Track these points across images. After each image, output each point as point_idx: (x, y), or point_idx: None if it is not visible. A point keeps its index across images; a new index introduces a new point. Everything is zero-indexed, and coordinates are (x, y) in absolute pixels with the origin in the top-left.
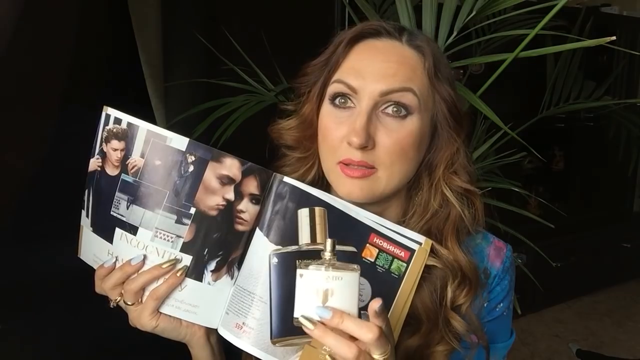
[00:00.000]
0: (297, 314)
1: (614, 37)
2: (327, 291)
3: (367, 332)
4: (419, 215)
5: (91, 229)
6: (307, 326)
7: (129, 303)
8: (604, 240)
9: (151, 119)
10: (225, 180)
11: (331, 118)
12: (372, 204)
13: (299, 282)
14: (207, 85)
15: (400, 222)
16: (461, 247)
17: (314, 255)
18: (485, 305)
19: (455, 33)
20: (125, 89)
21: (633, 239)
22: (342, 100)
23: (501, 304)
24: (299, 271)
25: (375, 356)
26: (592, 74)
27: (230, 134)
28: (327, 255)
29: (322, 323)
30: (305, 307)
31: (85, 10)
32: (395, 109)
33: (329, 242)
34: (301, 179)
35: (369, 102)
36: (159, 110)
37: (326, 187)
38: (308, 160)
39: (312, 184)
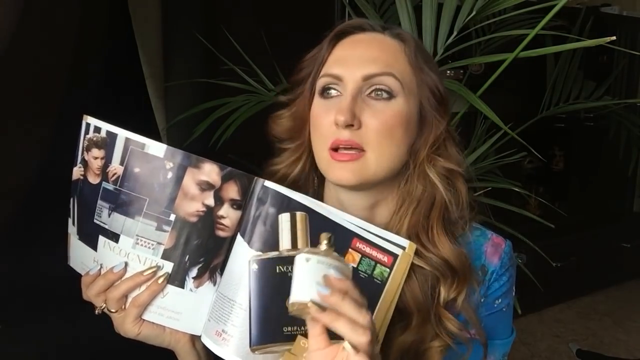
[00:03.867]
0: (295, 299)
1: (614, 37)
2: (328, 278)
3: (365, 314)
4: (408, 204)
5: (77, 236)
6: (316, 311)
7: (112, 310)
8: (604, 240)
9: (151, 119)
10: (205, 186)
11: (321, 108)
12: (365, 195)
13: (302, 267)
14: (207, 85)
15: (392, 214)
16: (448, 236)
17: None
18: (482, 301)
19: (455, 33)
20: (126, 89)
21: (633, 239)
22: (330, 91)
23: (499, 300)
24: (304, 256)
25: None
26: (592, 74)
27: (230, 134)
28: (325, 247)
29: (319, 307)
30: (306, 292)
31: (86, 11)
32: (379, 92)
33: (324, 235)
34: (288, 171)
35: (353, 85)
36: (159, 110)
37: (313, 183)
38: (297, 151)
39: (299, 177)
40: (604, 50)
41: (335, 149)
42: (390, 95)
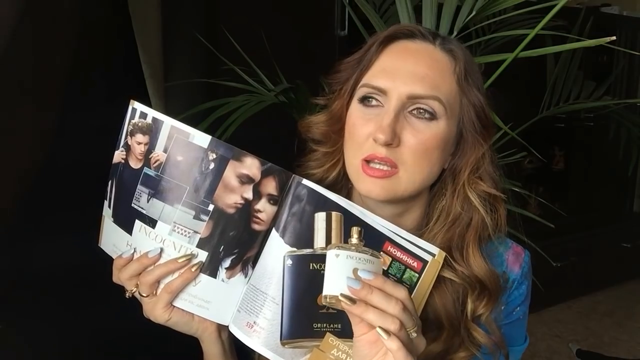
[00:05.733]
0: (327, 292)
1: (614, 37)
2: (357, 273)
3: (394, 304)
4: (443, 221)
5: (112, 219)
6: (347, 303)
7: (144, 295)
8: (604, 240)
9: None
10: (245, 179)
11: (359, 115)
12: (393, 205)
13: (332, 262)
14: (207, 85)
15: (424, 228)
16: (483, 256)
17: None
18: (502, 308)
19: (455, 33)
20: (125, 89)
21: (633, 239)
22: (371, 100)
23: (518, 308)
24: (334, 251)
25: (408, 329)
26: (592, 74)
27: (230, 134)
28: (356, 240)
29: (351, 299)
30: (336, 286)
31: (85, 11)
32: (421, 112)
33: (355, 229)
34: (325, 175)
35: (397, 102)
36: (159, 110)
37: (348, 188)
38: (334, 155)
39: (335, 182)
40: (604, 50)
41: (368, 161)
42: (433, 117)
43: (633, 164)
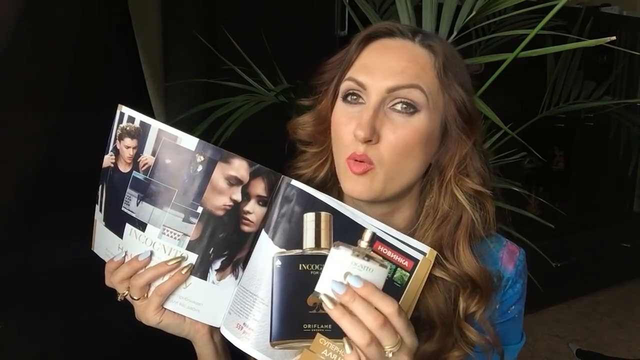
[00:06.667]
0: (317, 289)
1: (614, 37)
2: (344, 278)
3: (374, 318)
4: (432, 218)
5: (104, 223)
6: (327, 304)
7: (135, 298)
8: (604, 240)
9: None
10: (233, 181)
11: (343, 114)
12: (382, 204)
13: (329, 260)
14: (207, 85)
15: (414, 225)
16: (473, 254)
17: (317, 260)
18: (497, 307)
19: (455, 33)
20: (125, 89)
21: (633, 239)
22: (354, 97)
23: (513, 307)
24: (333, 250)
25: (385, 347)
26: (592, 74)
27: (230, 134)
28: (364, 244)
29: (342, 304)
30: (324, 286)
31: (85, 11)
32: (402, 106)
33: (368, 233)
34: (314, 175)
35: (377, 98)
36: (159, 110)
37: (339, 188)
38: (321, 155)
39: (324, 182)
40: (604, 50)
41: (353, 159)
42: (414, 110)
43: (633, 164)
